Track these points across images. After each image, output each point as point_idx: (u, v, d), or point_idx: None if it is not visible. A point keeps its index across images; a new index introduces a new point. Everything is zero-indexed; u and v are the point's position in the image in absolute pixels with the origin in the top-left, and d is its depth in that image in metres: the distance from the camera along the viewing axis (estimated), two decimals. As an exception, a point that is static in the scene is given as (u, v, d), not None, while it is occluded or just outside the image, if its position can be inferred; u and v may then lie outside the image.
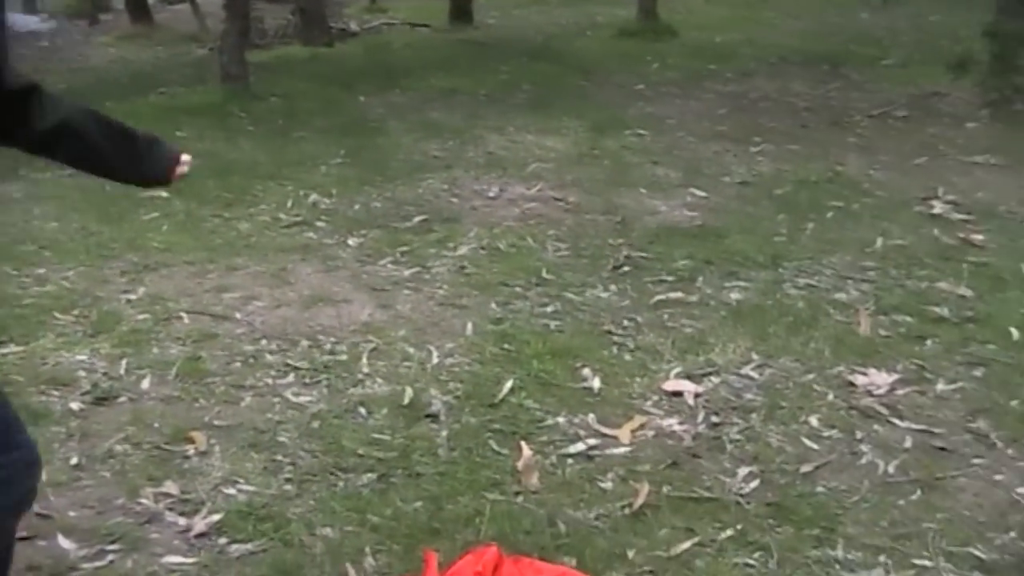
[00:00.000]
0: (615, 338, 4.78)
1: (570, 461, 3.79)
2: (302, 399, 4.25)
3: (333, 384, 4.37)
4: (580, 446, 3.88)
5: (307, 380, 4.42)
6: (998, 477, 3.70)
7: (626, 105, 10.36)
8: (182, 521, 3.45)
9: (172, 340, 4.78)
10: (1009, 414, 4.10)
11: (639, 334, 4.82)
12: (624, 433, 3.95)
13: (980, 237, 6.09)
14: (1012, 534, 3.39)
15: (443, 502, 3.51)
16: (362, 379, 4.42)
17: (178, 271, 5.62)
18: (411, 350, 4.69)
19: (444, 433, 3.96)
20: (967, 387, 4.34)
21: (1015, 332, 4.77)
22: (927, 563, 3.24)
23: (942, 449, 3.88)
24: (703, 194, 7.05)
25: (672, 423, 4.04)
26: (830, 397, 4.25)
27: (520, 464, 3.73)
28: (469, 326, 4.92)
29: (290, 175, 7.53)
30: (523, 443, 3.86)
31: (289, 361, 4.58)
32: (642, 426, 4.01)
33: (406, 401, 4.20)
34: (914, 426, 4.04)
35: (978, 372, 4.46)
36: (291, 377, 4.44)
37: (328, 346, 4.73)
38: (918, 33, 14.48)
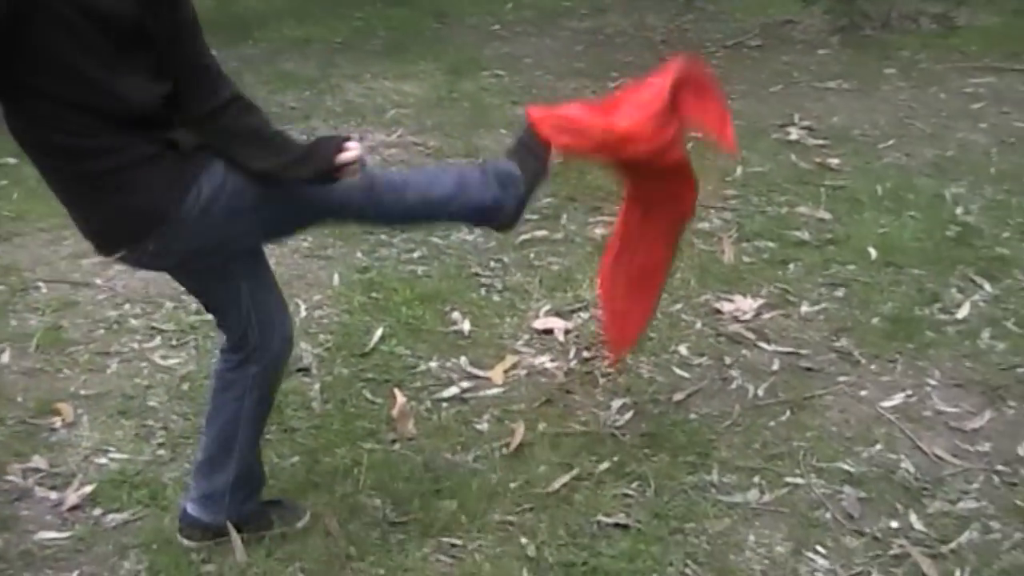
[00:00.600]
0: (483, 280, 4.78)
1: (445, 405, 3.80)
2: (170, 362, 4.19)
3: (201, 344, 4.31)
4: (454, 389, 3.89)
5: (174, 342, 4.35)
6: (863, 393, 3.82)
7: (482, 46, 10.30)
8: (53, 495, 3.39)
9: (30, 311, 4.65)
10: (871, 331, 4.22)
11: (506, 274, 4.83)
12: (497, 374, 3.97)
13: (836, 161, 6.20)
14: (878, 446, 3.50)
15: (319, 455, 3.50)
16: (230, 337, 4.36)
17: (32, 239, 5.44)
18: (279, 304, 4.63)
19: (317, 386, 3.94)
20: (830, 307, 4.44)
21: (873, 252, 4.89)
22: (799, 480, 3.34)
23: (808, 369, 3.99)
24: (564, 132, 7.05)
25: (544, 360, 4.07)
26: (698, 325, 4.32)
27: (395, 412, 3.72)
28: (336, 276, 4.88)
29: (144, 133, 7.35)
30: (396, 390, 3.85)
31: (154, 324, 4.50)
32: (514, 366, 4.04)
33: (276, 356, 4.16)
34: (781, 349, 4.13)
35: (840, 292, 4.57)
36: (158, 340, 4.37)
37: (194, 306, 4.63)
38: (768, -37, 14.65)
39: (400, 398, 3.79)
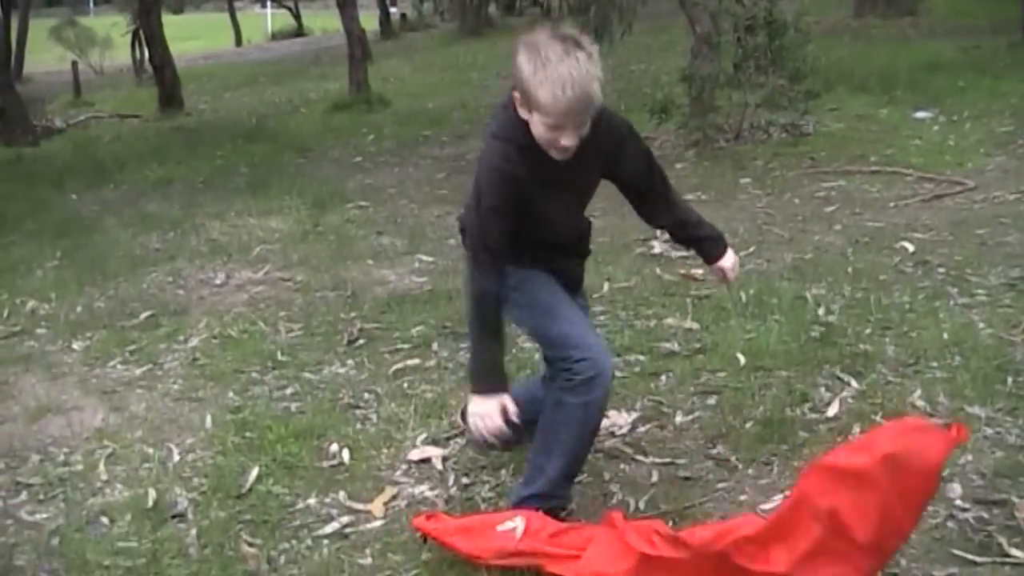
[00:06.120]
0: (357, 412, 4.74)
1: (326, 542, 3.72)
2: (38, 517, 4.05)
3: (70, 497, 4.18)
4: (334, 525, 3.82)
5: (42, 496, 4.22)
6: (742, 497, 3.83)
7: (345, 178, 10.38)
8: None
9: None
10: (745, 436, 4.25)
11: (381, 405, 4.79)
12: (377, 507, 3.91)
13: (700, 271, 6.30)
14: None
15: (198, 603, 3.40)
16: (101, 487, 4.24)
17: None
18: (150, 450, 4.53)
19: (193, 531, 3.83)
20: (703, 416, 4.48)
21: (741, 357, 4.96)
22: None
23: (687, 479, 3.99)
24: (430, 259, 7.10)
25: (424, 490, 4.02)
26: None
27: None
28: (208, 418, 4.80)
29: (2, 283, 7.22)
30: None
31: (20, 479, 4.36)
32: (394, 497, 3.98)
33: (150, 504, 4.05)
34: (658, 460, 4.13)
35: (712, 400, 4.61)
36: (24, 495, 4.23)
37: (61, 458, 4.53)
38: (622, 82, 15.04)
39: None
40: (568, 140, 3.24)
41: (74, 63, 26.58)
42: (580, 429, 3.49)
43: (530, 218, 3.42)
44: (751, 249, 6.77)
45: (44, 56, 33.35)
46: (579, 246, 3.80)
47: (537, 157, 3.30)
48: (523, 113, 3.26)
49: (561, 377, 3.45)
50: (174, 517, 3.95)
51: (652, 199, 3.80)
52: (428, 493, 4.00)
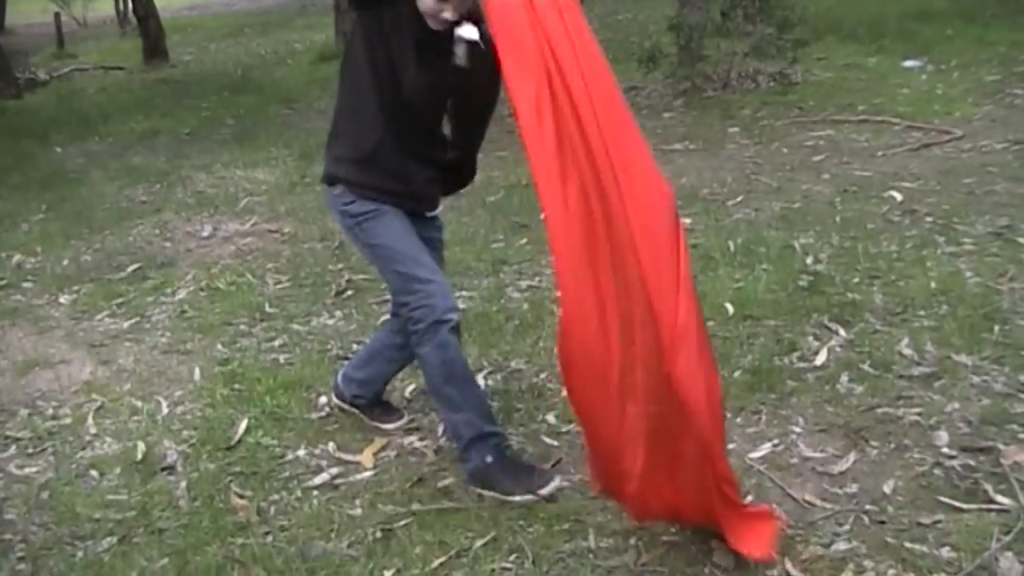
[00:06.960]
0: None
1: (316, 493, 3.73)
2: (28, 470, 4.05)
3: (60, 450, 4.18)
4: (324, 476, 3.83)
5: (31, 450, 4.22)
6: (731, 446, 3.82)
7: (332, 129, 10.31)
8: None
9: None
10: (733, 385, 4.25)
11: (370, 356, 4.79)
12: (366, 457, 3.92)
13: (688, 220, 6.31)
14: (749, 497, 3.52)
15: (189, 555, 3.40)
16: (90, 440, 4.25)
17: None
18: (139, 403, 4.54)
19: (183, 484, 3.84)
20: (692, 365, 4.48)
21: (730, 307, 4.96)
22: (675, 539, 3.33)
23: (675, 427, 3.99)
24: (418, 209, 7.07)
25: (413, 440, 4.03)
26: (564, 393, 4.31)
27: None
28: (196, 371, 4.80)
29: (-12, 238, 7.21)
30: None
31: (8, 432, 4.36)
32: (384, 447, 3.99)
33: (139, 456, 4.06)
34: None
35: (700, 349, 4.61)
36: (13, 449, 4.23)
37: (50, 411, 4.53)
38: (609, 32, 14.95)
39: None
40: (450, 14, 3.34)
41: (57, 14, 26.26)
42: (447, 371, 3.55)
43: (389, 70, 3.44)
44: (739, 198, 6.77)
45: (26, 7, 32.94)
46: (435, 152, 3.76)
47: (415, 22, 3.40)
48: None
49: (408, 330, 3.61)
50: (164, 470, 3.96)
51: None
52: (417, 444, 4.01)
